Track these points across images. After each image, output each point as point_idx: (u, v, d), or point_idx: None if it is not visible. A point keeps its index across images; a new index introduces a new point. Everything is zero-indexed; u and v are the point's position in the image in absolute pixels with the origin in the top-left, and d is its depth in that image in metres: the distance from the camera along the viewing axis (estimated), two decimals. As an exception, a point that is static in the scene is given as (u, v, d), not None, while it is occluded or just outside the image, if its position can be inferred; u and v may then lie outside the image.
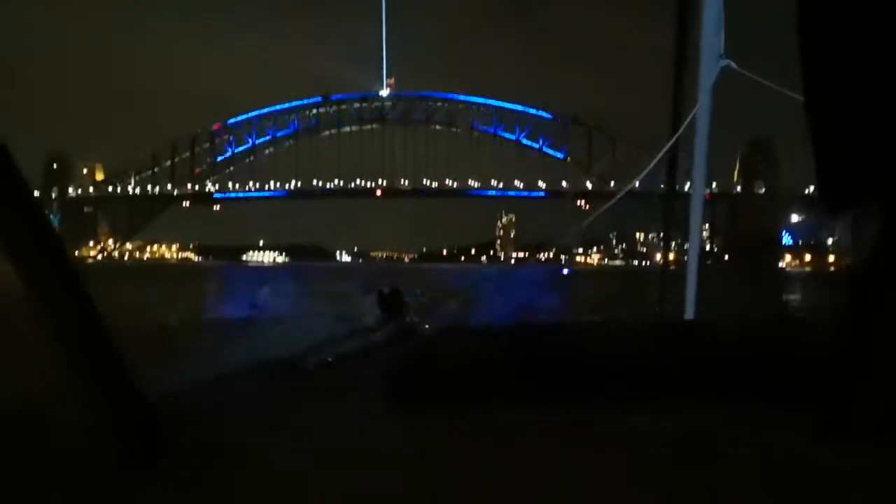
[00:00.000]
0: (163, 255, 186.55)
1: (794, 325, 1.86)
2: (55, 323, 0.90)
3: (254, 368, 1.64)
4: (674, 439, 1.16)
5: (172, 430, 1.16)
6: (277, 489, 1.02)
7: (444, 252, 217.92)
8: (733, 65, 3.27)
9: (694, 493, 0.96)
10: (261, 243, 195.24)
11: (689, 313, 3.47)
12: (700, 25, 3.23)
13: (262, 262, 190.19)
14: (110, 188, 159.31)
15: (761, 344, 1.35)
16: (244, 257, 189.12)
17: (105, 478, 1.01)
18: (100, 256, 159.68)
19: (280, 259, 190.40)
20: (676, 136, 3.18)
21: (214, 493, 1.02)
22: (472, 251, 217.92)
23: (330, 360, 1.57)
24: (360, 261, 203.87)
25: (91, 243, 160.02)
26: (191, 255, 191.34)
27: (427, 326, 2.07)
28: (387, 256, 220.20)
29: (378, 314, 1.98)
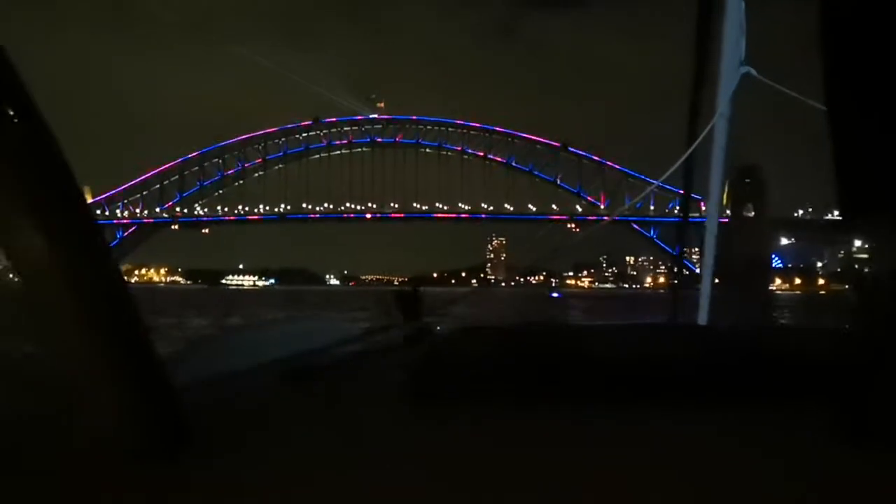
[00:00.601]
0: (150, 279, 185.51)
1: (810, 332, 1.88)
2: (85, 303, 0.89)
3: (267, 366, 1.61)
4: (692, 442, 1.17)
5: (192, 421, 1.17)
6: (297, 485, 1.04)
7: (435, 275, 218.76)
8: (753, 72, 3.10)
9: (713, 497, 0.97)
10: (240, 266, 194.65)
11: (703, 319, 3.43)
12: (720, 33, 2.95)
13: (242, 285, 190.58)
14: (98, 212, 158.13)
15: (779, 348, 1.33)
16: (224, 281, 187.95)
17: (127, 468, 1.02)
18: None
19: (261, 283, 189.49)
20: (696, 142, 2.97)
21: (238, 486, 1.03)
22: (463, 274, 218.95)
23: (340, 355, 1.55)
24: (351, 284, 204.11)
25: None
26: (179, 278, 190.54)
27: (440, 328, 2.09)
28: (376, 279, 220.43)
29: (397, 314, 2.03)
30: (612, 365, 1.29)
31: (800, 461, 1.06)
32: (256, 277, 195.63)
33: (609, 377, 1.27)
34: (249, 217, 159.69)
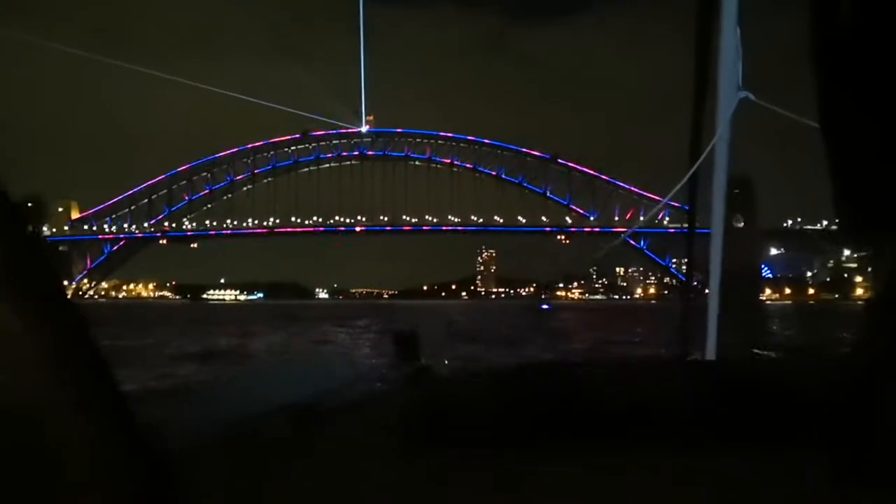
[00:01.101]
0: (139, 294, 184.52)
1: (809, 364, 1.83)
2: (57, 353, 0.85)
3: (263, 410, 1.60)
4: (691, 483, 1.15)
5: (178, 471, 1.13)
6: None
7: (425, 288, 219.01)
8: (751, 96, 3.08)
9: None
10: (222, 281, 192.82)
11: (711, 354, 3.18)
12: (716, 58, 3.11)
13: (223, 300, 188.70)
14: (86, 226, 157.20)
15: (776, 383, 1.31)
16: (205, 295, 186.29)
17: None
18: (75, 296, 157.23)
19: (242, 297, 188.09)
20: (696, 165, 3.03)
21: None
22: (453, 287, 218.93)
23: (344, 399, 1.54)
24: (340, 297, 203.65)
25: (65, 283, 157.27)
26: (167, 293, 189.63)
27: (446, 362, 2.07)
28: (366, 293, 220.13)
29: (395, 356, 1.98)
30: (611, 409, 1.26)
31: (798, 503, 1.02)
32: (238, 292, 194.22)
33: (608, 422, 1.25)
34: (238, 231, 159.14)
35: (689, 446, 1.20)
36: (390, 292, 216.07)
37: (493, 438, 1.26)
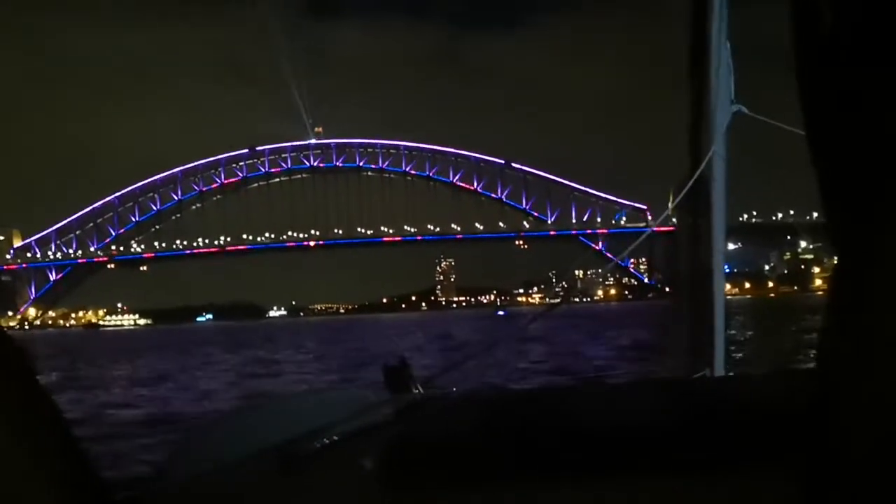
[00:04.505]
0: (90, 321, 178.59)
1: (779, 380, 1.76)
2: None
3: (244, 454, 1.54)
4: None
5: None
6: None
7: (385, 301, 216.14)
8: (744, 110, 3.27)
9: None
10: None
11: (719, 368, 3.26)
12: (708, 72, 3.38)
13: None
14: (29, 254, 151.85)
15: (746, 403, 1.29)
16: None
17: None
18: (20, 327, 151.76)
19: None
20: (693, 180, 3.29)
21: None
22: (413, 298, 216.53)
23: (333, 439, 1.47)
24: (302, 314, 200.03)
25: (10, 313, 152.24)
26: (124, 319, 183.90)
27: (433, 396, 2.02)
28: (326, 308, 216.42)
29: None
30: (601, 438, 1.25)
31: None
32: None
33: (599, 451, 1.22)
34: (189, 252, 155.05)
35: (653, 470, 1.17)
36: (349, 307, 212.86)
37: (479, 477, 1.23)
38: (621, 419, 1.28)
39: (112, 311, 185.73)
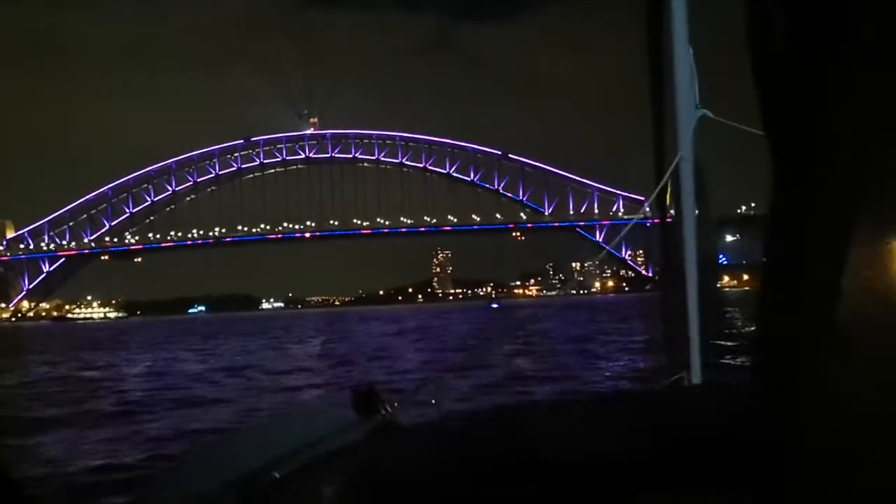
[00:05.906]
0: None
1: (752, 390, 1.63)
2: None
3: (208, 489, 1.52)
4: None
5: None
6: None
7: (381, 293, 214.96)
8: (709, 114, 3.28)
9: None
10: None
11: (696, 373, 3.28)
12: (672, 77, 3.41)
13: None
14: (22, 245, 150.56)
15: (711, 425, 1.26)
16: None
17: None
18: (13, 318, 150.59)
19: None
20: (658, 188, 3.33)
21: None
22: (410, 290, 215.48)
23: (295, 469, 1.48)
24: (299, 307, 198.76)
25: (3, 305, 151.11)
26: (112, 312, 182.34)
27: (403, 419, 1.99)
28: (322, 300, 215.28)
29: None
30: (562, 467, 1.20)
31: None
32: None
33: (560, 482, 1.19)
34: (183, 243, 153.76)
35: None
36: (345, 299, 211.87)
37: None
38: (584, 446, 1.21)
39: (106, 304, 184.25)
